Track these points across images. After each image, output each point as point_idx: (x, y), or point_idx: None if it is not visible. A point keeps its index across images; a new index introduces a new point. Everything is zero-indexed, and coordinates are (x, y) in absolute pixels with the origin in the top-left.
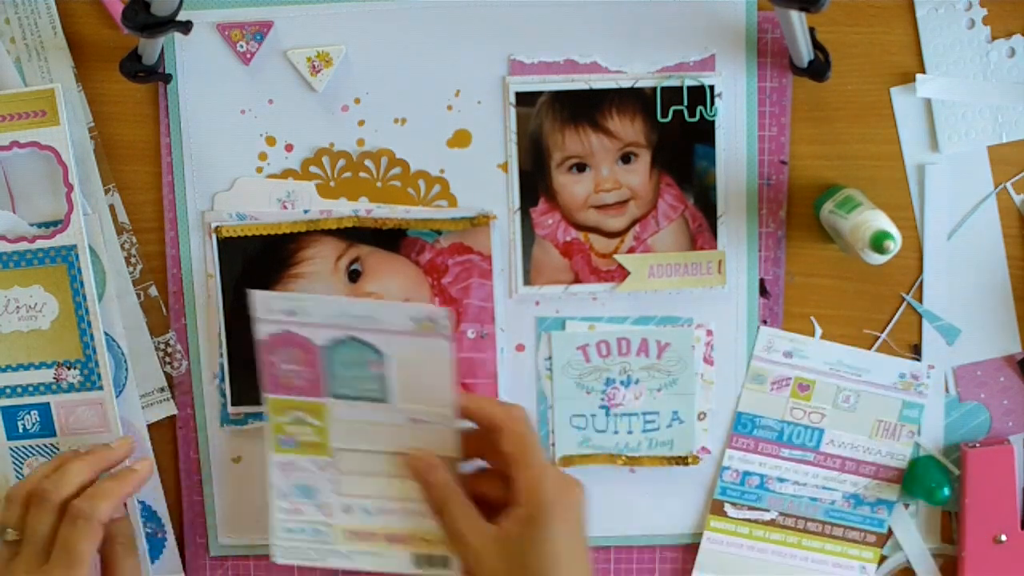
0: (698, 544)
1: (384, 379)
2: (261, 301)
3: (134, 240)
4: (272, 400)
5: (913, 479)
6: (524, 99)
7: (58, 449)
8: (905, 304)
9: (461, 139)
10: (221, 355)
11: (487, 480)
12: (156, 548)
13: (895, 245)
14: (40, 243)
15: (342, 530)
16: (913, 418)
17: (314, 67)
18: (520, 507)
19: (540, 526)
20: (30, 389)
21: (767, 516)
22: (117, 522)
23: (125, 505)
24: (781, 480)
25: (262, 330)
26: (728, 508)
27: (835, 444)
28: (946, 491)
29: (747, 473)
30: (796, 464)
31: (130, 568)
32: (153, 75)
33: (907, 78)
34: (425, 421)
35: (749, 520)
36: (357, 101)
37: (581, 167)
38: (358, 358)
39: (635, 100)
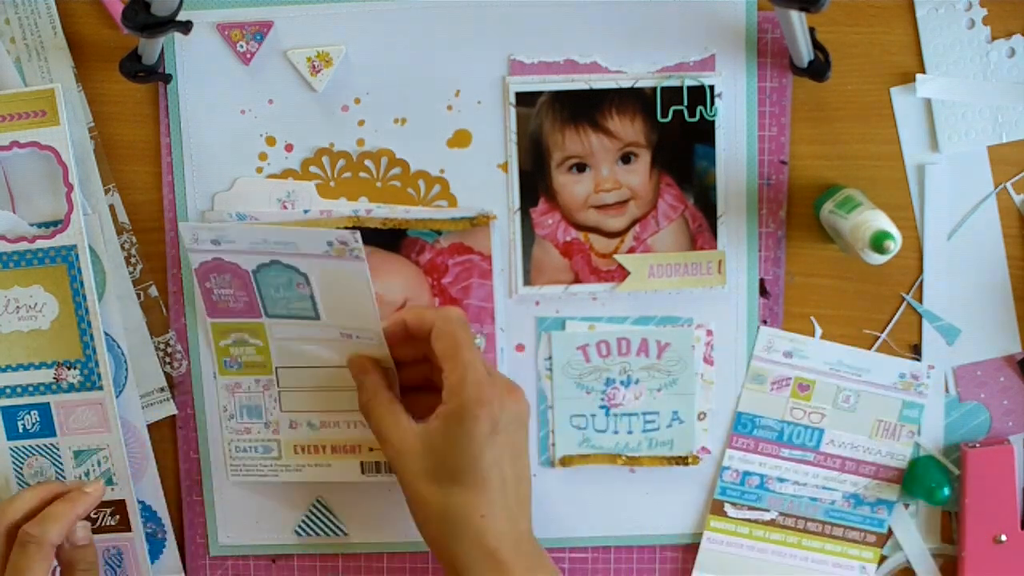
0: (698, 544)
1: (312, 299)
2: (187, 232)
3: (134, 240)
4: (213, 324)
5: (913, 479)
6: (524, 99)
7: (58, 449)
8: (905, 304)
9: (461, 139)
10: None
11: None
12: (156, 548)
13: (895, 245)
14: (40, 243)
15: (290, 445)
16: (913, 418)
17: (314, 67)
18: (444, 404)
19: (459, 422)
20: (30, 389)
21: (767, 516)
22: (80, 549)
23: (92, 532)
24: (781, 480)
25: (195, 259)
26: (728, 508)
27: (835, 444)
28: (946, 491)
29: (747, 473)
30: (796, 464)
31: None
32: (153, 75)
33: (907, 78)
34: (355, 336)
35: (749, 520)
36: (357, 101)
37: (581, 167)
38: (286, 280)
39: (635, 100)
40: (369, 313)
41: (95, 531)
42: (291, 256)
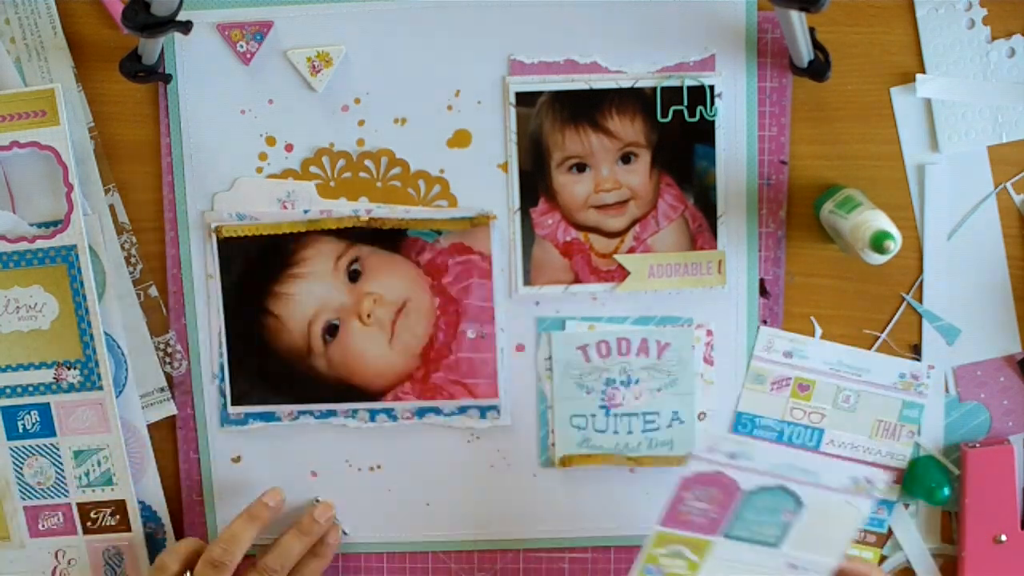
0: None
1: (788, 527)
2: (709, 441)
3: (134, 240)
4: (660, 533)
5: (913, 479)
6: (524, 99)
7: (58, 449)
8: (905, 304)
9: (461, 139)
10: (221, 355)
11: None
12: (156, 548)
13: (895, 245)
14: (40, 243)
15: None
16: (913, 418)
17: (314, 67)
18: None
19: None
20: (30, 389)
21: None
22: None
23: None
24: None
25: (693, 467)
26: None
27: (835, 444)
28: (946, 491)
29: None
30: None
31: None
32: (153, 75)
33: (907, 78)
34: (801, 569)
35: None
36: (357, 101)
37: (581, 167)
38: (775, 505)
39: (635, 100)
40: (836, 551)
41: (94, 531)
42: (802, 484)
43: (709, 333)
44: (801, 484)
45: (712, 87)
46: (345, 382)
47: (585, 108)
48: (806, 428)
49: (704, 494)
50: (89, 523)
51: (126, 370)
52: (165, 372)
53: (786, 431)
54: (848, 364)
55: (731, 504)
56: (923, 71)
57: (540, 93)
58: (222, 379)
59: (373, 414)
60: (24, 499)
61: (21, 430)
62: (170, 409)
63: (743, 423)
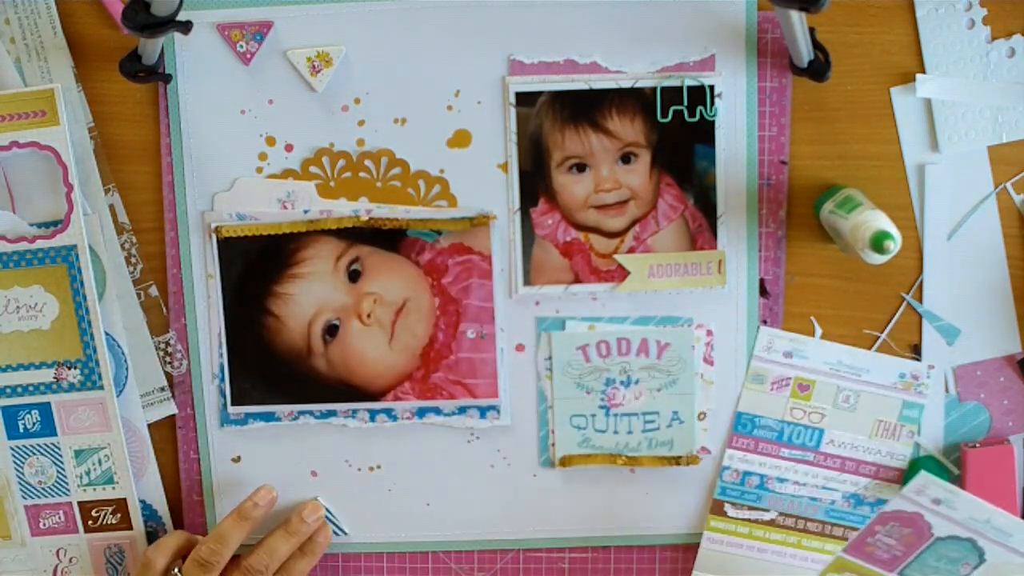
0: (698, 544)
1: None
2: (920, 481)
3: (134, 240)
4: (842, 559)
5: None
6: (524, 99)
7: (59, 448)
8: (905, 304)
9: (461, 139)
10: (221, 355)
11: None
12: None
13: (895, 245)
14: (40, 243)
15: None
16: (913, 418)
17: (314, 67)
18: None
19: None
20: (30, 389)
21: (767, 516)
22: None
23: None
24: (781, 480)
25: (897, 504)
26: (728, 508)
27: (835, 444)
28: None
29: (747, 473)
30: (796, 464)
31: None
32: (153, 75)
33: (907, 78)
34: None
35: (749, 520)
36: (357, 101)
37: (581, 167)
38: (959, 556)
39: (635, 100)
40: None
41: (96, 529)
42: (992, 543)
43: (709, 333)
44: (991, 543)
45: (712, 87)
46: (345, 382)
47: (585, 108)
48: (806, 428)
49: (896, 531)
50: (90, 522)
51: (126, 370)
52: (165, 372)
53: (786, 431)
54: (848, 364)
55: (919, 546)
56: (923, 71)
57: (540, 93)
58: (222, 379)
59: (373, 414)
60: (25, 498)
61: (22, 430)
62: (170, 409)
63: (743, 423)
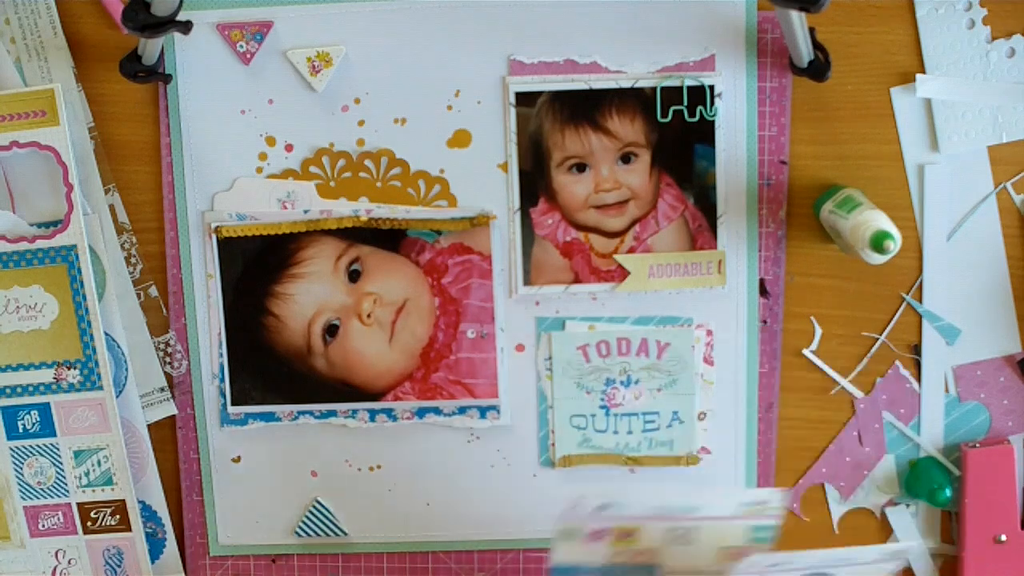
0: None
1: None
2: (749, 564)
3: (134, 240)
4: None
5: (915, 480)
6: (524, 99)
7: (58, 449)
8: (905, 304)
9: (461, 139)
10: (221, 355)
11: None
12: (156, 548)
13: (895, 245)
14: (40, 243)
15: None
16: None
17: (314, 67)
18: None
19: None
20: (30, 389)
21: None
22: None
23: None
24: None
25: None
26: None
27: None
28: (948, 492)
29: None
30: None
31: None
32: (153, 75)
33: (907, 78)
34: None
35: None
36: (357, 101)
37: (581, 167)
38: None
39: (635, 100)
40: None
41: (95, 530)
42: (840, 567)
43: (709, 333)
44: (839, 567)
45: (712, 87)
46: (345, 382)
47: (585, 108)
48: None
49: None
50: (89, 523)
51: (126, 370)
52: (165, 372)
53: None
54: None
55: None
56: (923, 71)
57: (540, 93)
58: (222, 379)
59: (373, 414)
60: (24, 499)
61: (21, 430)
62: (170, 409)
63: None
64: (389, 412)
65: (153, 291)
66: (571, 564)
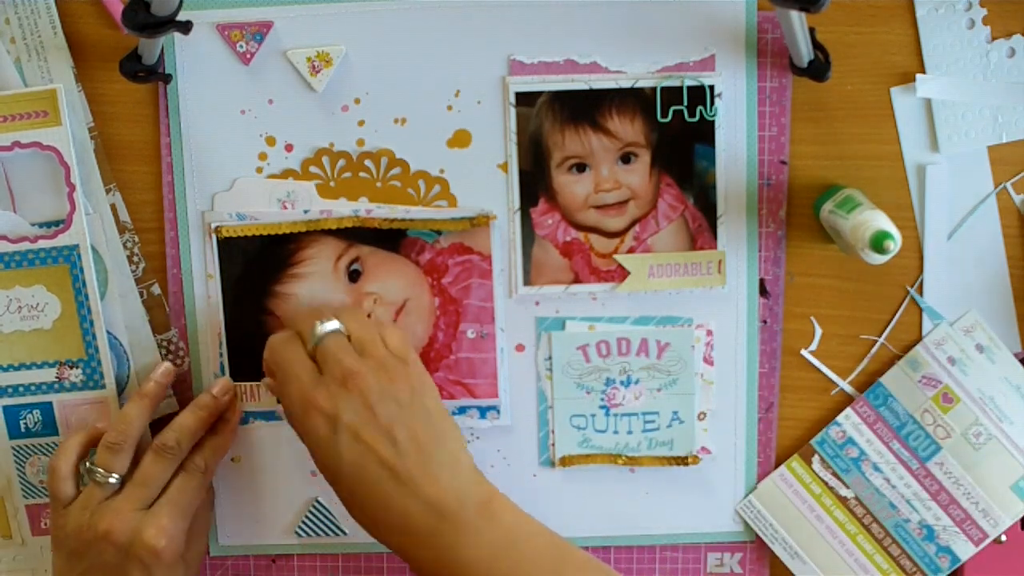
0: (699, 544)
1: None
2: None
3: (136, 239)
4: None
5: None
6: (524, 99)
7: None
8: (905, 304)
9: (461, 139)
10: (221, 355)
11: None
12: None
13: (895, 245)
14: (42, 243)
15: None
16: None
17: (314, 67)
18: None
19: (301, 437)
20: (32, 388)
21: (844, 492)
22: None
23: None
24: (876, 468)
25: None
26: (815, 461)
27: (943, 469)
28: None
29: (851, 440)
30: (898, 464)
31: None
32: (153, 75)
33: (907, 78)
34: None
35: (826, 484)
36: (357, 101)
37: (581, 167)
38: None
39: (635, 100)
40: None
41: None
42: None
43: (709, 333)
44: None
45: (712, 87)
46: None
47: (585, 108)
48: (927, 436)
49: None
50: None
51: (128, 369)
52: None
53: (908, 427)
54: (999, 405)
55: None
56: (923, 71)
57: (540, 93)
58: None
59: None
60: (26, 498)
61: (23, 429)
62: (172, 407)
63: (877, 395)
64: None
65: (155, 289)
66: (892, 393)
